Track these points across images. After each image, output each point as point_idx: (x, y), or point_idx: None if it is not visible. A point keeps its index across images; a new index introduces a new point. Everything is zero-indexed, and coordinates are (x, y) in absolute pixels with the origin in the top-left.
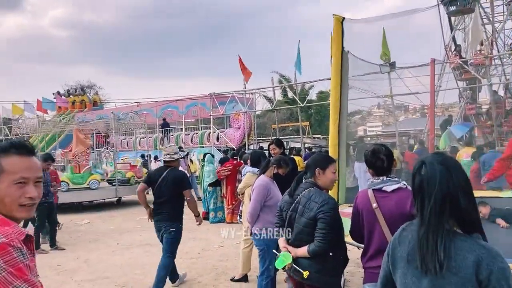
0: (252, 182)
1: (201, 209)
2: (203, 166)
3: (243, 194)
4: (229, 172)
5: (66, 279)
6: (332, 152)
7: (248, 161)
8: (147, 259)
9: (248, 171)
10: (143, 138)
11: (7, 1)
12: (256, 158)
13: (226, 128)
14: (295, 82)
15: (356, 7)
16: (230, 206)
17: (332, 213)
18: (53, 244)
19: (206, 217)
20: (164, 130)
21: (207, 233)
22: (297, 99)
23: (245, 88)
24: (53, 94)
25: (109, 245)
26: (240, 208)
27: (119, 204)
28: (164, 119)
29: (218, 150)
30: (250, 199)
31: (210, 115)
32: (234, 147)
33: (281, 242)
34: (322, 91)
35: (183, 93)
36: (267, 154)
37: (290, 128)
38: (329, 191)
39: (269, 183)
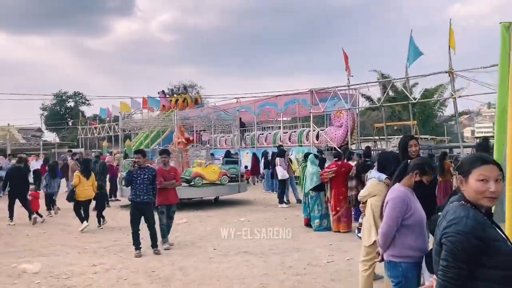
0: (377, 191)
1: (301, 214)
2: (304, 167)
3: (364, 203)
4: (333, 174)
5: None
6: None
7: (375, 165)
8: (247, 271)
9: (373, 177)
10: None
11: (121, 8)
12: (385, 161)
13: (326, 127)
14: (406, 76)
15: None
16: (335, 213)
17: (459, 238)
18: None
19: (308, 224)
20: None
21: (311, 243)
22: (407, 94)
23: (349, 83)
24: (158, 93)
25: (205, 250)
26: (360, 219)
27: (216, 203)
28: (240, 118)
29: (318, 149)
30: (374, 213)
31: (310, 112)
32: (335, 146)
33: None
34: (427, 89)
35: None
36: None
37: (395, 127)
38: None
39: (408, 194)
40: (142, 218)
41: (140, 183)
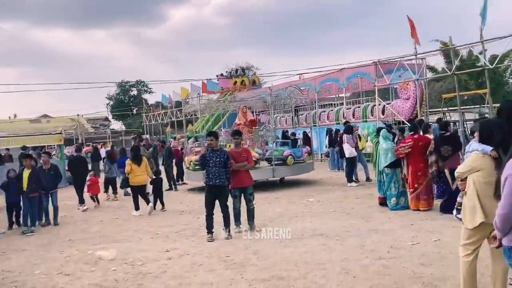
0: (482, 165)
1: (373, 193)
2: (376, 143)
3: (463, 180)
4: (410, 149)
5: (235, 276)
6: None
7: (475, 135)
8: (325, 256)
9: (475, 149)
10: (301, 115)
11: None
12: (488, 131)
13: (392, 100)
14: (481, 39)
15: None
16: (413, 190)
17: None
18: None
19: (382, 203)
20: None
21: (390, 224)
22: (484, 60)
23: (416, 52)
24: (216, 76)
25: (278, 233)
26: (459, 199)
27: (281, 184)
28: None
29: (384, 124)
30: (478, 191)
31: (374, 85)
32: (403, 120)
33: None
34: (495, 55)
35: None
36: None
37: (465, 97)
38: None
39: None
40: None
41: (212, 166)
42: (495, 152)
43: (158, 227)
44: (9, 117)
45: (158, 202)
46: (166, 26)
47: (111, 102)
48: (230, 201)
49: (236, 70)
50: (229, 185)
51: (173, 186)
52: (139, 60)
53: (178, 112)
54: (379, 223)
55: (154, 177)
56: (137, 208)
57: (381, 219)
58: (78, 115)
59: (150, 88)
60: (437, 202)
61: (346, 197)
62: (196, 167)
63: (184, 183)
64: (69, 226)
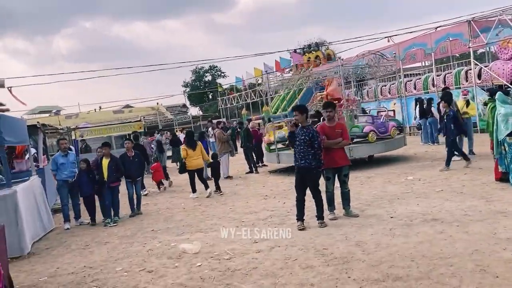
0: None
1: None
2: (492, 107)
3: None
4: None
5: (340, 276)
6: None
7: None
8: (448, 247)
9: None
10: (384, 86)
11: None
12: None
13: (488, 62)
14: None
15: None
16: None
17: None
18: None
19: (503, 178)
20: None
21: (507, 201)
22: None
23: None
24: (289, 53)
25: (381, 219)
26: None
27: (370, 161)
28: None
29: (482, 89)
30: None
31: (469, 47)
32: (506, 83)
33: None
34: None
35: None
36: None
37: None
38: None
39: None
40: None
41: (298, 145)
42: None
43: (243, 213)
44: (95, 110)
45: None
46: (236, 10)
47: (187, 89)
48: (323, 184)
49: (309, 46)
50: (319, 166)
51: (253, 169)
52: (211, 45)
53: (253, 94)
54: (504, 204)
55: (211, 160)
56: (194, 190)
57: (506, 199)
58: (157, 103)
59: (223, 72)
60: None
61: (451, 173)
62: (271, 149)
63: (265, 165)
64: (152, 215)
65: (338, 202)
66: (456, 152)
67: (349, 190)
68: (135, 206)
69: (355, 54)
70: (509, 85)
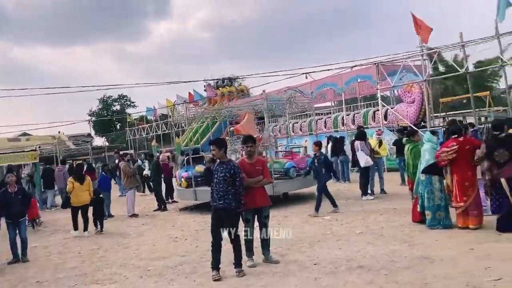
0: None
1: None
2: (412, 148)
3: None
4: (455, 155)
5: None
6: None
7: None
8: None
9: None
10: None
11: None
12: None
13: (392, 104)
14: (497, 34)
15: None
16: (461, 204)
17: None
18: None
19: (419, 219)
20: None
21: (443, 249)
22: (501, 56)
23: (422, 51)
24: (204, 86)
25: (304, 266)
26: None
27: (285, 199)
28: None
29: (390, 130)
30: None
31: (377, 89)
32: (410, 125)
33: None
34: (481, 61)
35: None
36: None
37: (465, 100)
38: None
39: None
40: None
41: (216, 183)
42: None
43: (149, 259)
44: None
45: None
46: (149, 41)
47: (93, 118)
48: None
49: (223, 80)
50: (239, 207)
51: (162, 206)
52: (122, 75)
53: (164, 125)
54: (429, 248)
55: (94, 197)
56: (75, 228)
57: (428, 242)
58: (59, 132)
59: (133, 102)
60: (489, 219)
61: (367, 213)
62: (188, 185)
63: (175, 201)
64: (39, 261)
65: (256, 246)
66: (366, 185)
67: (269, 234)
68: (19, 252)
69: (270, 90)
70: (413, 127)
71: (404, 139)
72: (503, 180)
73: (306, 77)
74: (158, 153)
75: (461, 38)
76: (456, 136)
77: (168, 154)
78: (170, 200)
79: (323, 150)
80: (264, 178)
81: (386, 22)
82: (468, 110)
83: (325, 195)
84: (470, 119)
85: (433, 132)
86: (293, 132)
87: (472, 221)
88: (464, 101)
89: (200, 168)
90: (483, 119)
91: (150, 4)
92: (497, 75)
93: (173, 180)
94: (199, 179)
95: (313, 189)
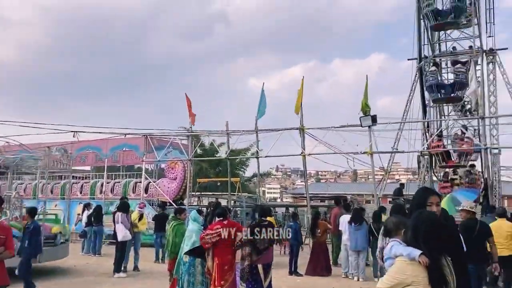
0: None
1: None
2: (175, 225)
3: None
4: (218, 238)
5: None
6: None
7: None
8: None
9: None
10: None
11: None
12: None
13: (155, 178)
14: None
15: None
16: None
17: None
18: None
19: None
20: None
21: None
22: (257, 148)
23: (191, 131)
24: None
25: None
26: None
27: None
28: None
29: (150, 204)
30: None
31: (143, 160)
32: (170, 201)
33: None
34: (233, 150)
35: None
36: None
37: (219, 183)
38: None
39: None
40: None
41: None
42: (425, 258)
43: None
44: None
45: None
46: None
47: None
48: None
49: None
50: None
51: None
52: None
53: None
54: None
55: None
56: None
57: None
58: None
59: None
60: None
61: None
62: None
63: None
64: None
65: None
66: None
67: None
68: None
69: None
70: (172, 203)
71: (171, 216)
72: (259, 266)
73: (74, 136)
74: None
75: (227, 127)
76: (221, 219)
77: None
78: None
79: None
80: (5, 250)
81: (163, 100)
82: (223, 193)
83: (21, 277)
84: (224, 201)
85: (199, 212)
86: (41, 193)
87: None
88: (219, 184)
89: None
90: (232, 202)
91: None
92: (245, 164)
93: None
94: None
95: (53, 263)
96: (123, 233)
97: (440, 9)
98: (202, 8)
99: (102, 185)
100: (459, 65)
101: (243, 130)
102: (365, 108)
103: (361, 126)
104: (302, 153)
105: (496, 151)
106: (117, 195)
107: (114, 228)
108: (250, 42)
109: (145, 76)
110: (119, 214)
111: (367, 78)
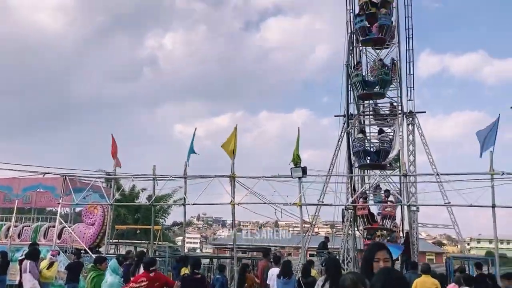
0: None
1: None
2: (94, 276)
3: None
4: None
5: None
6: None
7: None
8: None
9: None
10: None
11: None
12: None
13: (70, 223)
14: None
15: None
16: None
17: None
18: None
19: None
20: None
21: None
22: (184, 196)
23: (115, 173)
24: None
25: None
26: None
27: None
28: None
29: (64, 251)
30: None
31: (59, 203)
32: (85, 247)
33: None
34: (158, 196)
35: None
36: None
37: (138, 231)
38: None
39: None
40: None
41: None
42: None
43: None
44: None
45: None
46: None
47: None
48: None
49: None
50: None
51: None
52: None
53: None
54: None
55: None
56: None
57: None
58: None
59: None
60: None
61: None
62: None
63: None
64: None
65: None
66: None
67: None
68: None
69: None
70: (88, 250)
71: (90, 265)
72: None
73: None
74: None
75: (154, 171)
76: (148, 270)
77: None
78: None
79: None
80: None
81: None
82: (142, 241)
83: None
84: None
85: (119, 262)
86: None
87: None
88: (138, 231)
89: None
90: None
91: None
92: (166, 211)
93: None
94: None
95: None
96: (30, 284)
97: (367, 79)
98: (132, 50)
99: (8, 228)
100: (384, 134)
101: (171, 176)
102: (296, 159)
103: (292, 177)
104: (231, 201)
105: (414, 208)
106: (25, 241)
107: (20, 278)
108: (179, 88)
109: (67, 115)
110: (27, 262)
111: (299, 130)
